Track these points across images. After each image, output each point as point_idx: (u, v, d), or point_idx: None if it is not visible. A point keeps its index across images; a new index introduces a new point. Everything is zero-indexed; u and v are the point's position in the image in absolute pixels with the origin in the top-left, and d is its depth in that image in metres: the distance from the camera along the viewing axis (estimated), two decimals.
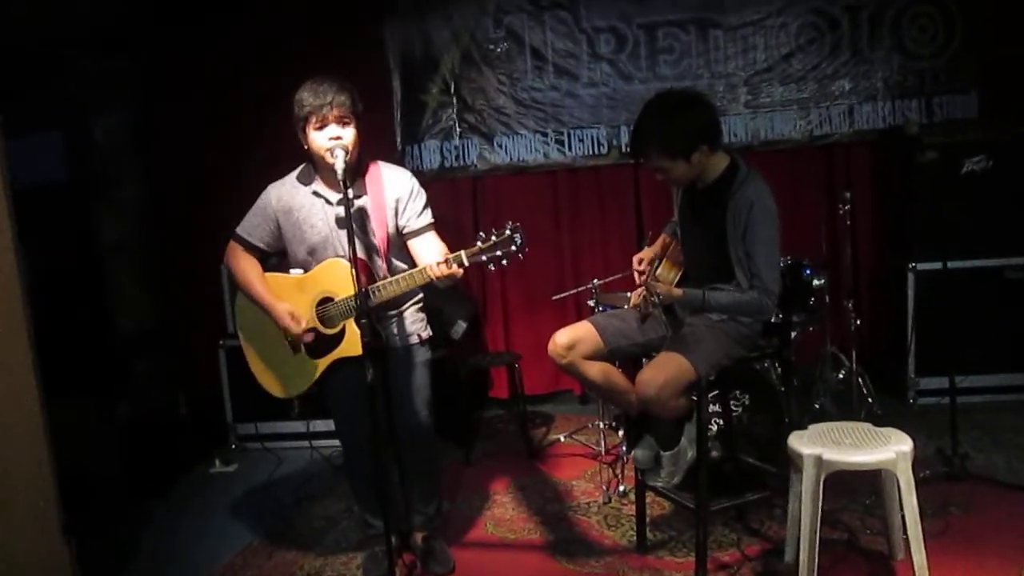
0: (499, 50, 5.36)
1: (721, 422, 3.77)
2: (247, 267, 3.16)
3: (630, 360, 3.54)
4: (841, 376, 4.67)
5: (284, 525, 3.94)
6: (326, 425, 4.59)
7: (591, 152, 5.39)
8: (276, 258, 3.27)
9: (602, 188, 5.45)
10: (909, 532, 2.75)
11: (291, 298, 3.09)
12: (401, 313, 3.17)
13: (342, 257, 2.99)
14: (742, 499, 3.31)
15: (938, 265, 4.06)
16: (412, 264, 3.09)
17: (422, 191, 3.15)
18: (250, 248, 3.17)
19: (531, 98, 5.39)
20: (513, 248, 2.69)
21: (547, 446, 4.76)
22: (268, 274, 3.17)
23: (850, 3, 5.07)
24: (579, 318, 4.14)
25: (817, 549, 2.75)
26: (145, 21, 5.30)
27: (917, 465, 2.82)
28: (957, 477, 3.65)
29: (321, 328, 3.06)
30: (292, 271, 3.14)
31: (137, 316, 5.40)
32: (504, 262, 2.72)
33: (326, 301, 3.04)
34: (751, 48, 5.19)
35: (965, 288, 4.44)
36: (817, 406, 4.52)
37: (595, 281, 4.43)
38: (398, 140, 5.48)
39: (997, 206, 4.58)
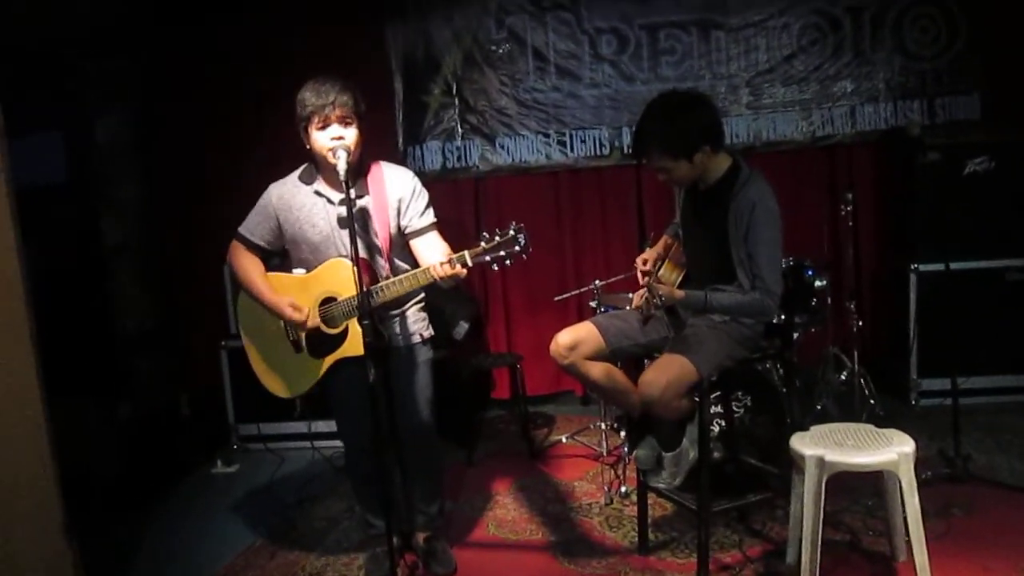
0: (501, 51, 5.36)
1: (723, 423, 3.76)
2: (249, 265, 3.16)
3: (632, 361, 3.55)
4: (843, 377, 4.67)
5: (286, 525, 3.94)
6: (328, 426, 4.58)
7: (593, 153, 5.39)
8: (278, 259, 3.27)
9: (604, 189, 5.45)
10: (911, 533, 2.75)
11: (293, 297, 3.08)
12: (403, 312, 3.17)
13: (344, 257, 2.99)
14: (744, 500, 3.32)
15: (940, 266, 4.07)
16: (414, 264, 3.09)
17: (424, 191, 3.15)
18: (252, 247, 3.17)
19: (533, 99, 5.39)
20: (517, 248, 2.68)
21: (549, 447, 4.75)
22: (271, 274, 3.17)
23: (852, 4, 5.07)
24: (581, 319, 4.14)
25: (819, 550, 2.75)
26: (145, 21, 5.31)
27: (919, 466, 2.82)
28: (959, 478, 3.65)
29: (324, 328, 3.06)
30: (295, 271, 3.14)
31: (138, 316, 5.41)
32: (508, 262, 2.71)
33: (329, 301, 3.04)
34: (753, 49, 5.18)
35: (967, 289, 4.44)
36: (819, 407, 4.51)
37: (597, 282, 4.43)
38: (400, 141, 5.48)
39: (999, 207, 4.58)
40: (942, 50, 5.04)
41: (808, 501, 2.75)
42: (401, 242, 3.13)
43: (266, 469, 4.65)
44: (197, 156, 5.49)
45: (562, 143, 5.39)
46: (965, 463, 3.69)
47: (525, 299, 5.56)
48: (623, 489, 3.88)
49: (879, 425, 2.94)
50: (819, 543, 2.75)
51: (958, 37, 5.00)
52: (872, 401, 4.54)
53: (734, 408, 3.85)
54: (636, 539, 3.39)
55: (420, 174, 3.25)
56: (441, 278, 2.80)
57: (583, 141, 5.39)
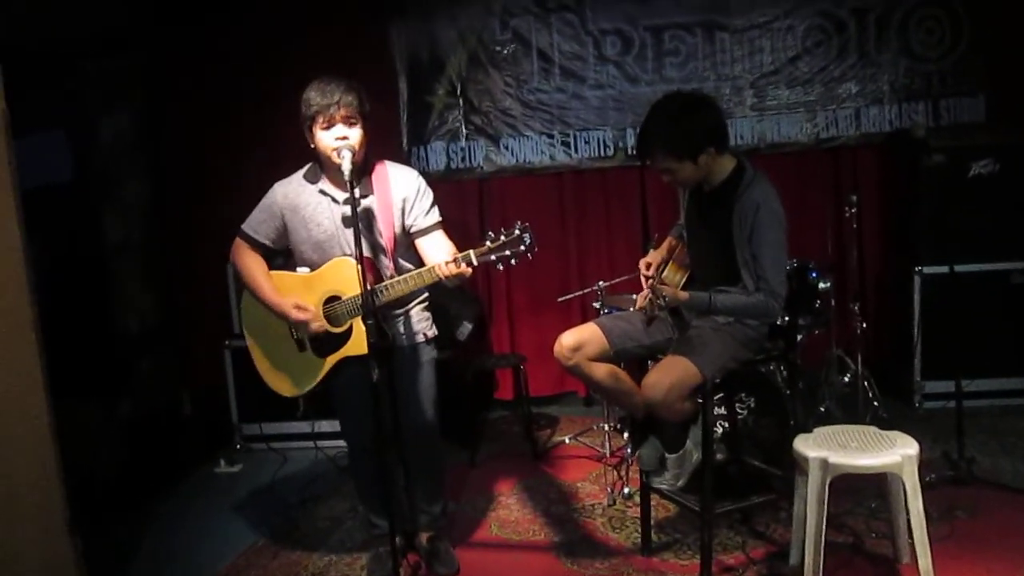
0: (505, 52, 5.36)
1: (726, 424, 3.76)
2: (252, 264, 3.16)
3: (636, 362, 3.55)
4: (847, 379, 4.67)
5: (289, 525, 3.94)
6: (331, 425, 4.58)
7: (597, 154, 5.38)
8: (282, 258, 3.27)
9: (608, 190, 5.45)
10: (915, 536, 2.75)
11: (297, 296, 3.08)
12: (407, 312, 3.17)
13: (348, 256, 2.99)
14: (747, 502, 3.32)
15: (944, 269, 4.07)
16: (419, 264, 3.09)
17: (429, 190, 3.15)
18: (255, 245, 3.17)
19: (537, 100, 5.39)
20: (522, 248, 2.68)
21: (552, 448, 4.75)
22: (275, 272, 3.17)
23: (857, 6, 5.06)
24: (584, 320, 4.16)
25: (822, 552, 2.75)
26: (147, 21, 5.32)
27: (923, 469, 2.81)
28: (963, 481, 3.64)
29: (328, 327, 3.06)
30: (299, 270, 3.14)
31: (140, 315, 5.41)
32: (513, 262, 2.71)
33: (333, 300, 3.04)
34: (757, 51, 5.18)
35: (971, 292, 4.43)
36: (822, 409, 4.50)
37: (601, 283, 4.43)
38: (404, 141, 5.48)
39: (1004, 210, 4.57)
40: (947, 52, 5.03)
41: (811, 503, 2.75)
42: (406, 242, 3.13)
43: (269, 469, 4.65)
44: (199, 155, 5.49)
45: (566, 144, 5.39)
46: (969, 466, 3.69)
47: (529, 300, 5.56)
48: (626, 490, 3.88)
49: (883, 427, 2.93)
50: (822, 545, 2.75)
51: (962, 39, 4.99)
52: (876, 403, 4.54)
53: (737, 410, 3.84)
54: (639, 540, 3.39)
55: (424, 174, 3.25)
56: (446, 277, 2.80)
57: (587, 142, 5.38)
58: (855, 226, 4.56)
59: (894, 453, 2.71)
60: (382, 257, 3.08)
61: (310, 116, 2.92)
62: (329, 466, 4.61)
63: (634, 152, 5.14)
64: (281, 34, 5.28)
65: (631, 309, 3.31)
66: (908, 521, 2.78)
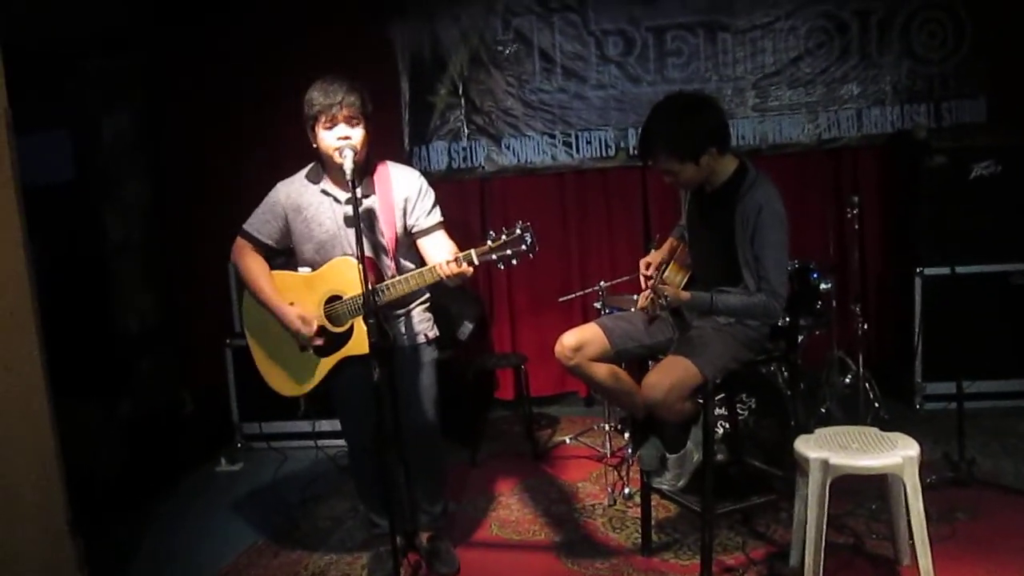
0: (507, 52, 5.36)
1: (727, 425, 3.76)
2: (254, 266, 3.16)
3: (637, 362, 3.55)
4: (848, 380, 4.66)
5: (289, 525, 3.94)
6: (332, 425, 4.58)
7: (599, 154, 5.38)
8: (283, 257, 3.27)
9: (609, 190, 5.45)
10: (915, 537, 2.75)
11: (299, 296, 3.09)
12: (408, 312, 3.17)
13: (350, 255, 2.99)
14: (748, 502, 3.32)
15: (946, 270, 4.06)
16: (420, 264, 3.09)
17: (430, 190, 3.15)
18: (257, 245, 3.17)
19: (539, 100, 5.38)
20: (523, 247, 2.68)
21: (552, 448, 4.75)
22: (276, 272, 3.17)
23: (859, 7, 5.05)
24: (585, 320, 4.16)
25: (823, 553, 2.75)
26: (146, 21, 5.32)
27: (924, 470, 2.81)
28: (964, 482, 3.64)
29: (329, 326, 3.06)
30: (300, 269, 3.14)
31: (141, 315, 5.41)
32: (514, 261, 2.71)
33: (334, 299, 3.04)
34: (760, 51, 5.18)
35: (972, 293, 4.43)
36: (823, 410, 4.50)
37: (602, 283, 4.42)
38: (406, 141, 5.48)
39: (1005, 211, 4.56)
40: (949, 54, 5.02)
41: (812, 504, 2.75)
42: (407, 242, 3.13)
43: (270, 468, 4.65)
44: (199, 155, 5.50)
45: (568, 144, 5.39)
46: (969, 467, 3.68)
47: (530, 300, 5.56)
48: (626, 490, 3.88)
49: (883, 428, 2.93)
50: (823, 546, 2.75)
51: (965, 41, 4.99)
52: (876, 404, 4.53)
53: (738, 410, 3.84)
54: (639, 540, 3.39)
55: (426, 174, 3.25)
56: (447, 276, 2.80)
57: (589, 142, 5.38)
58: (856, 227, 4.55)
59: (895, 454, 2.71)
60: (384, 257, 3.08)
61: (313, 116, 2.92)
62: (330, 465, 4.61)
63: (636, 152, 5.13)
64: (281, 34, 5.28)
65: (632, 309, 3.31)
66: (909, 522, 2.78)
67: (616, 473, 4.11)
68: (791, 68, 5.16)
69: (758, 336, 3.08)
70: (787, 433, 3.44)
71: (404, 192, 3.08)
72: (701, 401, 3.02)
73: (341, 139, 2.88)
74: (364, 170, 3.04)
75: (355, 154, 2.86)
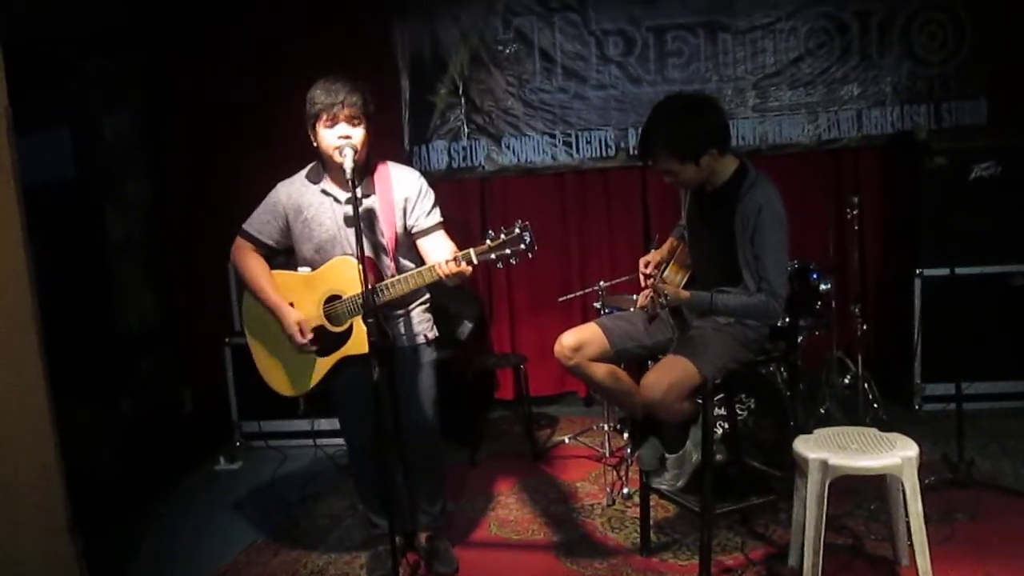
0: (508, 51, 5.36)
1: (726, 425, 3.76)
2: (255, 266, 3.16)
3: (636, 362, 3.55)
4: (847, 381, 4.67)
5: (288, 523, 3.94)
6: (331, 424, 4.59)
7: (599, 154, 5.38)
8: (283, 256, 3.27)
9: (609, 190, 5.45)
10: (914, 538, 2.75)
11: (298, 295, 3.09)
12: (408, 313, 3.17)
13: (350, 255, 3.00)
14: (747, 503, 3.32)
15: (945, 271, 4.06)
16: (420, 264, 3.09)
17: (430, 190, 3.15)
18: (257, 245, 3.17)
19: (539, 100, 5.38)
20: (522, 247, 2.68)
21: (551, 448, 4.75)
22: (275, 271, 3.17)
23: (860, 8, 5.05)
24: (585, 320, 4.16)
25: (821, 554, 2.75)
26: (146, 21, 5.32)
27: (923, 471, 2.81)
28: (963, 483, 3.64)
29: (328, 326, 3.06)
30: (300, 269, 3.14)
31: (141, 314, 5.41)
32: (513, 261, 2.71)
33: (333, 299, 3.04)
34: (760, 52, 5.18)
35: (972, 294, 4.43)
36: (823, 411, 4.50)
37: (601, 283, 4.43)
38: (406, 140, 5.48)
39: (1005, 212, 4.56)
40: (949, 56, 5.02)
41: (811, 504, 2.75)
42: (407, 242, 3.13)
43: (269, 466, 4.66)
44: (199, 155, 5.50)
45: (568, 144, 5.39)
46: (969, 468, 3.68)
47: (529, 300, 5.56)
48: (625, 490, 3.88)
49: (882, 429, 2.94)
50: (821, 546, 2.75)
51: (965, 43, 4.99)
52: (876, 405, 4.54)
53: (738, 411, 3.85)
54: (638, 540, 3.39)
55: (426, 174, 3.26)
56: (447, 276, 2.81)
57: (589, 142, 5.38)
58: (856, 228, 4.56)
59: (894, 455, 2.72)
60: (383, 257, 3.08)
61: (314, 114, 2.92)
62: (329, 464, 4.61)
63: (636, 152, 5.13)
64: (281, 34, 5.28)
65: (632, 309, 3.32)
66: (907, 523, 2.79)
67: (615, 473, 4.11)
68: (791, 69, 5.16)
69: (757, 336, 3.08)
70: (786, 433, 3.45)
71: (404, 192, 3.08)
72: (700, 401, 3.02)
73: (342, 138, 2.89)
74: (364, 170, 3.04)
75: (355, 153, 2.86)
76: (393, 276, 2.97)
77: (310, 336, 3.04)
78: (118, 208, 5.26)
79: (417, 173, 3.18)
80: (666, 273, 3.25)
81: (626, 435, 4.36)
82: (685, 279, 3.24)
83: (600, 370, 3.08)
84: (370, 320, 2.76)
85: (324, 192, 3.07)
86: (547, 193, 5.50)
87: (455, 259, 2.77)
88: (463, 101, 5.44)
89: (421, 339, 3.19)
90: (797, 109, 5.19)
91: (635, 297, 3.49)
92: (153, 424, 5.08)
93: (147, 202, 5.54)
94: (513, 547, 3.56)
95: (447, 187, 4.96)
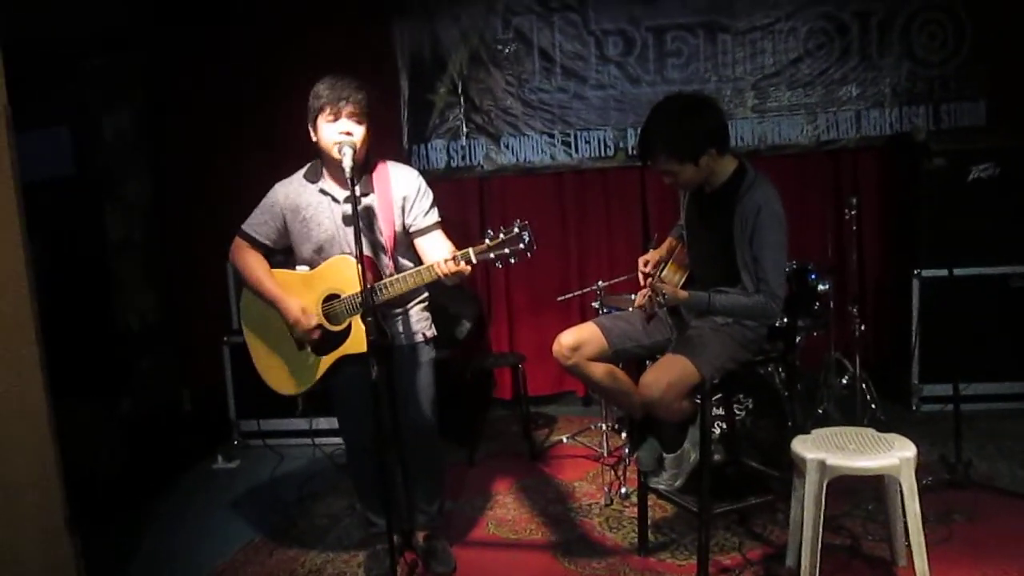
0: (507, 51, 5.36)
1: (724, 425, 3.77)
2: (254, 263, 3.16)
3: (635, 362, 3.55)
4: (845, 381, 4.67)
5: (286, 522, 3.94)
6: (329, 423, 4.60)
7: (598, 154, 5.38)
8: (282, 255, 3.28)
9: (608, 190, 5.45)
10: (912, 539, 2.76)
11: (297, 295, 3.09)
12: (406, 311, 3.17)
13: (348, 254, 3.00)
14: (744, 503, 3.33)
15: (944, 272, 4.07)
16: (418, 263, 3.10)
17: (429, 190, 3.16)
18: (256, 245, 3.18)
19: (538, 99, 5.38)
20: (521, 246, 2.69)
21: (549, 447, 4.76)
22: (275, 271, 3.18)
23: (860, 9, 5.05)
24: (584, 320, 4.16)
25: (819, 554, 2.76)
26: (146, 21, 5.33)
27: (920, 472, 2.83)
28: (960, 484, 3.65)
29: (327, 325, 3.06)
30: (298, 268, 3.15)
31: (141, 315, 5.41)
32: (512, 260, 2.72)
33: (332, 298, 3.05)
34: (759, 52, 5.18)
35: (970, 295, 4.44)
36: (820, 411, 4.51)
37: (600, 283, 4.43)
38: (405, 140, 5.48)
39: (1004, 214, 4.57)
40: (949, 56, 5.02)
41: (809, 504, 2.75)
42: (406, 241, 3.14)
43: (267, 465, 4.66)
44: (199, 155, 5.50)
45: (567, 144, 5.39)
46: (966, 469, 3.69)
47: (528, 299, 5.56)
48: (623, 490, 3.89)
49: (880, 430, 2.94)
50: (819, 547, 2.75)
51: (965, 44, 4.99)
52: (873, 406, 4.54)
53: (736, 411, 3.85)
54: (636, 540, 3.40)
55: (424, 173, 3.27)
56: (445, 275, 2.81)
57: (588, 142, 5.38)
58: (855, 228, 4.56)
59: (892, 455, 2.72)
60: (382, 256, 3.09)
61: (317, 108, 2.93)
62: (327, 463, 4.62)
63: (635, 152, 5.14)
64: (281, 34, 5.29)
65: (630, 308, 3.32)
66: (905, 524, 2.79)
67: (613, 473, 4.12)
68: (791, 69, 5.16)
69: (756, 337, 3.08)
70: (784, 434, 3.45)
71: (403, 191, 3.09)
72: (698, 400, 3.03)
73: (343, 133, 2.89)
74: (363, 169, 3.05)
75: (354, 151, 2.87)
76: (392, 275, 2.97)
77: (315, 321, 3.04)
78: (118, 208, 5.26)
79: (416, 172, 3.18)
80: (664, 273, 3.25)
81: (624, 435, 4.37)
82: (683, 279, 3.25)
83: (598, 370, 3.09)
84: (369, 319, 2.76)
85: (322, 191, 3.08)
86: (546, 193, 5.50)
87: (454, 258, 2.77)
88: (462, 100, 5.44)
89: (420, 337, 3.19)
90: (796, 110, 5.19)
91: (633, 297, 3.49)
92: (152, 423, 5.09)
93: (147, 202, 5.54)
94: (511, 547, 3.56)
95: (446, 186, 4.97)
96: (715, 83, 5.23)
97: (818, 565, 2.75)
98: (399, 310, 3.16)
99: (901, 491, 2.74)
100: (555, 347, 3.08)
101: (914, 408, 4.73)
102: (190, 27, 5.34)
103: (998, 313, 4.58)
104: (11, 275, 2.75)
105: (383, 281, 2.92)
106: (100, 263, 5.11)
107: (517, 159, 5.45)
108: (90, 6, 4.86)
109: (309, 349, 3.13)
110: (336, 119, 2.91)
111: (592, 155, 5.39)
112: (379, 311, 2.90)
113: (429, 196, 3.14)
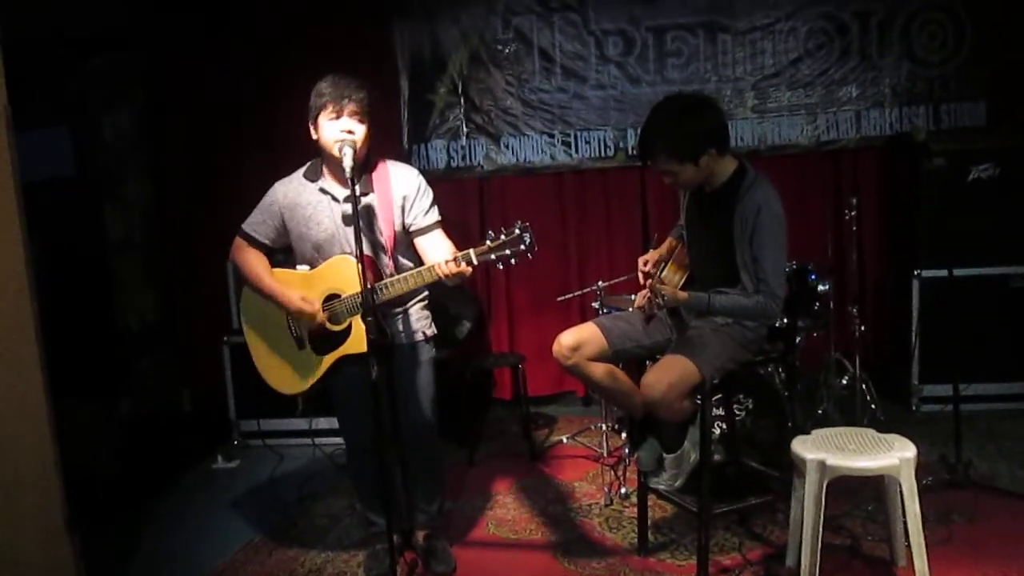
0: (507, 51, 5.36)
1: (724, 426, 3.77)
2: (254, 261, 3.17)
3: (634, 362, 3.55)
4: (845, 382, 4.67)
5: (286, 522, 3.94)
6: (328, 423, 4.59)
7: (598, 154, 5.38)
8: (282, 254, 3.28)
9: (608, 190, 5.45)
10: (911, 539, 2.76)
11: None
12: (406, 310, 3.17)
13: (348, 254, 3.00)
14: (744, 503, 3.33)
15: (943, 272, 4.07)
16: (418, 262, 3.10)
17: (429, 189, 3.16)
18: (255, 244, 3.18)
19: (538, 99, 5.38)
20: (522, 247, 2.69)
21: (549, 448, 4.76)
22: (275, 270, 3.18)
23: (860, 9, 5.05)
24: (583, 320, 4.16)
25: (819, 554, 2.76)
26: (146, 22, 5.33)
27: (920, 472, 2.83)
28: (960, 485, 3.65)
29: (327, 325, 3.06)
30: (299, 267, 3.15)
31: (141, 312, 5.42)
32: (513, 261, 2.72)
33: (332, 298, 3.05)
34: (759, 53, 5.18)
35: (970, 296, 4.44)
36: (820, 411, 4.51)
37: (600, 283, 4.43)
38: (405, 139, 5.48)
39: (1004, 214, 4.57)
40: (949, 56, 5.02)
41: (809, 505, 2.76)
42: (406, 240, 3.14)
43: (267, 465, 4.65)
44: (200, 155, 5.50)
45: (567, 144, 5.39)
46: (966, 469, 3.69)
47: (528, 299, 5.56)
48: (623, 490, 3.89)
49: (880, 430, 2.94)
50: (819, 547, 2.75)
51: (965, 44, 4.99)
52: (873, 406, 4.54)
53: (736, 411, 3.85)
54: (636, 540, 3.40)
55: (424, 173, 3.26)
56: (446, 276, 2.81)
57: (588, 142, 5.38)
58: (855, 229, 4.56)
59: (891, 456, 2.72)
60: (382, 255, 3.09)
61: (320, 106, 2.93)
62: (327, 463, 4.61)
63: (635, 153, 5.14)
64: (281, 34, 5.29)
65: (630, 309, 3.32)
66: (905, 524, 2.79)
67: (613, 473, 4.12)
68: (791, 69, 5.16)
69: (756, 337, 3.09)
70: (784, 434, 3.46)
71: (403, 190, 3.09)
72: (699, 401, 3.03)
73: (344, 132, 2.89)
74: (363, 168, 3.05)
75: (354, 151, 2.87)
76: (391, 274, 2.98)
77: (318, 304, 3.04)
78: (118, 208, 5.26)
79: (416, 171, 3.18)
80: (664, 273, 3.25)
81: (624, 435, 4.37)
82: (683, 279, 3.25)
83: (598, 370, 3.09)
84: (369, 319, 2.76)
85: (322, 190, 3.08)
86: (546, 193, 5.50)
87: (455, 259, 2.77)
88: (462, 100, 5.44)
89: (420, 336, 3.20)
90: (796, 110, 5.19)
91: (633, 297, 3.50)
92: (152, 423, 5.09)
93: (147, 202, 5.54)
94: (511, 547, 3.56)
95: (446, 186, 4.97)
96: (715, 83, 5.23)
97: (818, 565, 2.75)
98: (399, 309, 3.16)
99: (901, 491, 2.74)
100: (555, 347, 3.08)
101: (914, 408, 4.73)
102: (190, 27, 5.34)
103: (998, 313, 4.58)
104: (11, 275, 2.75)
105: (384, 281, 2.92)
106: (100, 263, 5.11)
107: (517, 159, 5.45)
108: (90, 6, 4.86)
109: (309, 348, 3.13)
110: (338, 117, 2.91)
111: (592, 155, 5.39)
112: (379, 310, 2.90)
113: (429, 195, 3.14)
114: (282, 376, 3.24)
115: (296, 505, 4.14)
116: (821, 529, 2.75)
